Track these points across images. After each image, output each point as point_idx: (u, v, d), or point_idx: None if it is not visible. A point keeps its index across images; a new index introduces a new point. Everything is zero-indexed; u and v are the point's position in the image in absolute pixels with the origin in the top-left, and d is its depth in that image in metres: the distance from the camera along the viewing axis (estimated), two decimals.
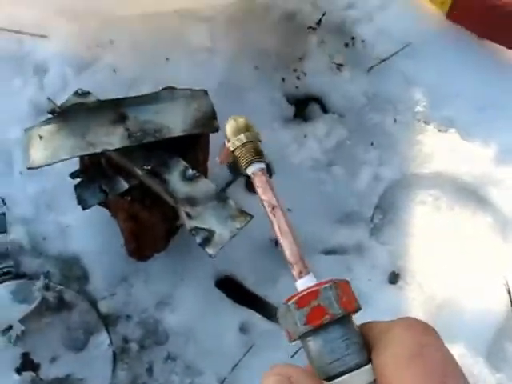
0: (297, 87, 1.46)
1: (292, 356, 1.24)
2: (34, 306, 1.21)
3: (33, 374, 1.21)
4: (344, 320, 0.35)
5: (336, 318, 0.34)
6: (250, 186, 1.36)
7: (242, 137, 0.40)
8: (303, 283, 0.37)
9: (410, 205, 1.40)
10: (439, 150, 1.44)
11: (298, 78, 1.46)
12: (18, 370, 1.21)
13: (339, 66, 1.48)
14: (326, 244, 1.34)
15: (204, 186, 1.11)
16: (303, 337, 0.35)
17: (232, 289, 1.30)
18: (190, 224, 1.06)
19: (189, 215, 1.07)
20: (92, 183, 1.12)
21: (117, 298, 1.27)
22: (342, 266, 1.33)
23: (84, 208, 1.12)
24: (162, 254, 1.29)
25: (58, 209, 1.32)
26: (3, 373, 1.20)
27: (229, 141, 0.41)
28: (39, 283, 1.23)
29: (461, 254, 1.36)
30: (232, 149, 0.41)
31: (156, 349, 1.26)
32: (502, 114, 1.46)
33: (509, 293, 1.30)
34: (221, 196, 1.10)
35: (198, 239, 1.05)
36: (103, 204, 1.23)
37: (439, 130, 1.46)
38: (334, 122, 1.43)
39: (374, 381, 0.33)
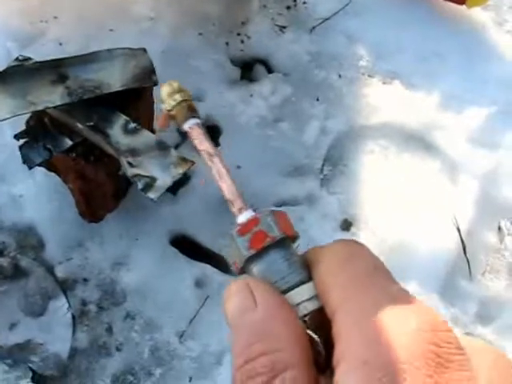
0: (241, 50, 1.49)
1: None
2: None
3: None
4: (284, 243, 0.37)
5: (276, 241, 0.36)
6: None
7: (177, 96, 0.43)
8: (244, 217, 0.39)
9: (359, 155, 1.42)
10: (385, 101, 1.47)
11: (242, 41, 1.49)
12: None
13: (282, 28, 1.51)
14: (277, 196, 1.36)
15: (145, 138, 1.13)
16: (248, 264, 0.36)
17: (186, 246, 1.32)
18: (131, 171, 1.08)
19: (130, 164, 1.09)
20: (36, 143, 1.14)
21: (73, 262, 1.29)
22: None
23: (30, 167, 1.14)
24: (116, 216, 1.30)
25: (11, 180, 1.33)
26: None
27: (164, 103, 0.44)
28: None
29: (411, 199, 1.38)
30: (168, 109, 0.43)
31: (114, 309, 1.27)
32: (442, 64, 1.50)
33: (458, 230, 1.33)
34: (162, 146, 1.13)
35: (140, 185, 1.07)
36: (53, 169, 1.25)
37: (384, 83, 1.49)
38: (279, 80, 1.46)
39: (317, 296, 0.34)
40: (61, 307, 1.27)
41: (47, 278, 1.28)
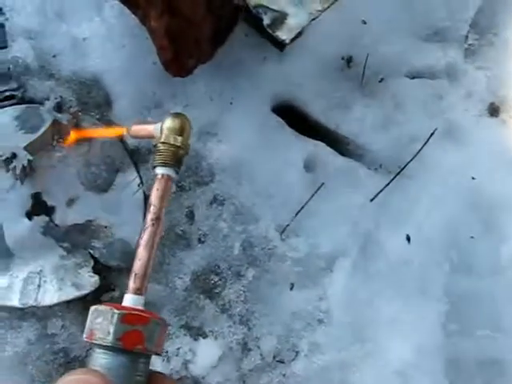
0: None
1: (371, 200, 0.99)
2: (42, 129, 0.95)
3: (46, 218, 0.96)
4: (148, 358, 0.36)
5: (145, 353, 0.35)
6: None
7: (177, 139, 0.40)
8: (134, 300, 0.37)
9: None
10: None
11: None
12: (29, 214, 0.96)
13: None
14: (411, 66, 1.07)
15: None
16: (102, 348, 0.35)
17: (294, 116, 1.03)
18: (254, 1, 0.78)
19: None
20: None
21: None
22: (430, 92, 1.06)
23: None
24: (205, 72, 1.01)
25: (72, 18, 1.04)
26: (11, 217, 0.95)
27: (161, 132, 0.41)
28: (49, 103, 0.97)
29: None
30: (161, 140, 0.40)
31: (198, 190, 1.00)
32: None
33: None
34: None
35: (266, 20, 0.78)
36: (130, 0, 0.94)
37: None
38: None
39: None
40: (130, 182, 1.00)
41: (115, 145, 1.00)
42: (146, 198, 1.00)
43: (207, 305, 0.97)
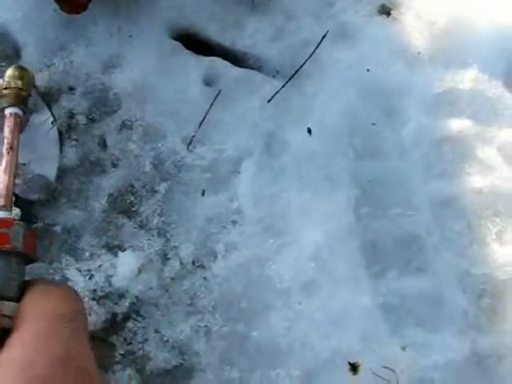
0: None
1: (269, 101, 1.02)
2: None
3: None
4: (20, 258, 0.42)
5: (15, 251, 0.42)
6: None
7: (18, 83, 0.46)
8: (1, 214, 0.45)
9: None
10: None
11: None
12: None
13: None
14: None
15: None
16: None
17: (191, 39, 1.08)
18: None
19: None
20: None
21: (55, 68, 1.06)
22: (320, 1, 1.10)
23: None
24: (103, 12, 1.07)
25: None
26: None
27: (4, 80, 0.46)
28: None
29: None
30: (4, 86, 0.45)
31: (108, 119, 1.05)
32: None
33: None
34: None
35: None
36: None
37: None
38: None
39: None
40: (44, 122, 1.05)
41: None
42: (60, 134, 1.05)
43: (126, 223, 1.00)
